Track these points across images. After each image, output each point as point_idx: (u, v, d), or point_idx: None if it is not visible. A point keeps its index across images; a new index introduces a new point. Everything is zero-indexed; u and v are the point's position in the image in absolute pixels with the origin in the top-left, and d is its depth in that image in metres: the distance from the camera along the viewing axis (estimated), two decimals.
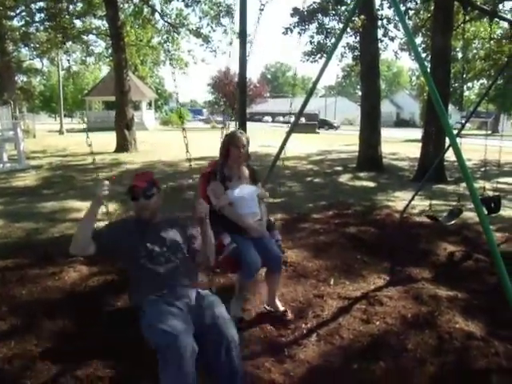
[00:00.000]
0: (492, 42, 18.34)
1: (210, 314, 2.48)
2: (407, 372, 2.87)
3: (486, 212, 5.46)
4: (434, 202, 7.32)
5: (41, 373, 2.79)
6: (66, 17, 18.92)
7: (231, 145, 3.58)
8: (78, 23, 20.55)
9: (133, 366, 2.84)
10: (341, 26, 14.30)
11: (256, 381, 2.78)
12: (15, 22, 22.76)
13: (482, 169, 8.83)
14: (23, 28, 21.50)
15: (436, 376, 2.84)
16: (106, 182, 2.54)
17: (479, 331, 3.31)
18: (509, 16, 15.80)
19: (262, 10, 4.77)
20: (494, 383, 2.73)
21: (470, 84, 36.40)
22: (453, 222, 5.79)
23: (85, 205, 7.49)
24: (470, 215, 6.53)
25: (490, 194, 6.26)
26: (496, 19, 12.96)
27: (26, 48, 25.06)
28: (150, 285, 2.59)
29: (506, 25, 15.07)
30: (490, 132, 37.84)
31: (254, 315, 3.64)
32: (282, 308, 3.69)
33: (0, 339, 3.17)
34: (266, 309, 3.74)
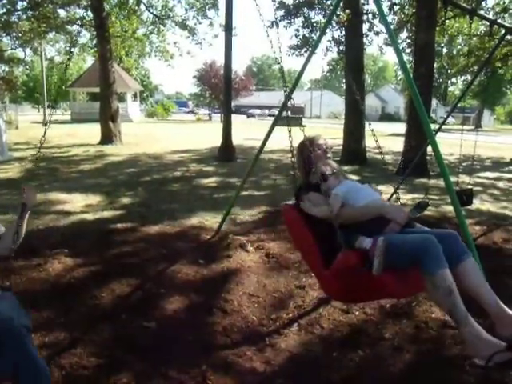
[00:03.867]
0: (475, 38, 18.56)
1: None
2: (385, 359, 2.98)
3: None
4: (414, 195, 7.46)
5: None
6: (50, 6, 18.63)
7: (314, 147, 3.00)
8: (61, 13, 20.21)
9: (117, 356, 2.90)
10: (326, 20, 14.36)
11: (237, 369, 2.85)
12: None
13: (464, 163, 9.01)
14: (4, 16, 21.08)
15: (412, 363, 2.95)
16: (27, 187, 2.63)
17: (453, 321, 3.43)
18: (490, 14, 16.09)
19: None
20: None
21: (454, 79, 36.82)
22: (419, 214, 5.88)
23: (69, 197, 7.48)
24: (449, 208, 6.67)
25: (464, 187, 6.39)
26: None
27: (8, 37, 24.60)
28: None
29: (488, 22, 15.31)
30: (473, 127, 38.39)
31: (235, 305, 3.70)
32: None
33: None
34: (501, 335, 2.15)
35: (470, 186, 6.06)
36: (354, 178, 10.78)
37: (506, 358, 1.98)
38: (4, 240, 2.44)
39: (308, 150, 2.88)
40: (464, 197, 5.60)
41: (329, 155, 3.09)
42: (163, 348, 3.03)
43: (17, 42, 24.26)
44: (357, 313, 3.58)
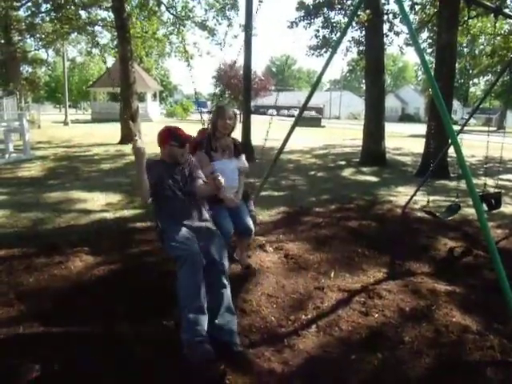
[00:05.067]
0: (498, 37, 18.25)
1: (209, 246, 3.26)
2: (404, 363, 2.94)
3: (486, 208, 5.50)
4: (435, 197, 7.37)
5: (48, 357, 2.87)
6: (72, 8, 18.92)
7: (218, 117, 4.00)
8: (83, 14, 20.52)
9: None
10: (346, 20, 14.28)
11: (256, 369, 2.85)
12: (21, 13, 22.79)
13: (486, 165, 8.85)
14: (29, 18, 21.49)
15: (432, 368, 2.91)
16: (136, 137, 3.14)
17: (475, 325, 3.38)
18: None
19: (262, 1, 4.80)
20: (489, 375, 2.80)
21: (475, 80, 36.28)
22: (451, 217, 5.83)
23: (90, 195, 7.59)
24: (471, 211, 6.58)
25: (492, 190, 6.30)
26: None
27: (32, 39, 25.07)
28: (171, 213, 3.36)
29: None
30: (495, 128, 37.74)
31: (254, 305, 3.70)
32: (247, 263, 4.34)
33: (9, 325, 3.26)
34: (236, 259, 4.39)
35: (498, 190, 6.00)
36: (374, 179, 10.73)
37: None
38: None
39: (216, 117, 4.04)
40: (492, 200, 5.53)
41: (229, 122, 4.06)
42: (182, 347, 3.04)
43: (40, 43, 24.76)
44: (376, 315, 3.56)
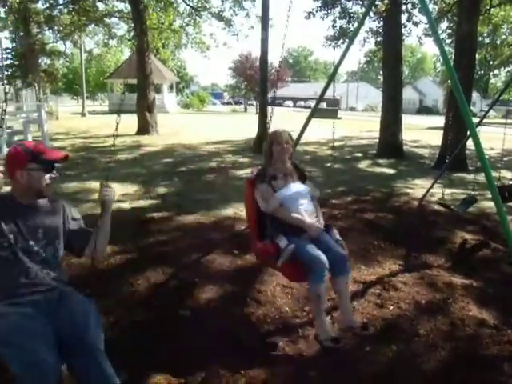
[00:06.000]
0: None
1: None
2: (418, 356, 2.93)
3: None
4: (453, 190, 7.29)
5: None
6: (89, 0, 19.04)
7: (273, 142, 3.38)
8: (100, 6, 20.62)
9: (149, 343, 2.96)
10: (364, 10, 14.09)
11: (270, 359, 2.87)
12: (39, 5, 22.97)
13: (503, 158, 8.72)
14: (47, 11, 21.65)
15: (447, 361, 2.89)
16: (105, 184, 2.55)
17: (492, 319, 3.35)
18: None
19: None
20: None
21: (496, 71, 35.59)
22: (467, 210, 5.76)
23: (113, 192, 7.65)
24: (489, 205, 6.49)
25: (507, 183, 6.19)
26: None
27: (50, 31, 25.28)
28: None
29: None
30: None
31: (269, 296, 3.71)
32: (358, 322, 3.19)
33: None
34: (342, 328, 3.24)
35: None
36: (391, 171, 10.64)
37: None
38: (90, 242, 2.52)
39: (271, 143, 3.40)
40: (506, 193, 5.43)
41: (286, 146, 3.39)
42: (197, 336, 3.08)
43: (58, 35, 24.93)
44: (391, 307, 3.54)
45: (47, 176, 2.27)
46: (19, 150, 2.23)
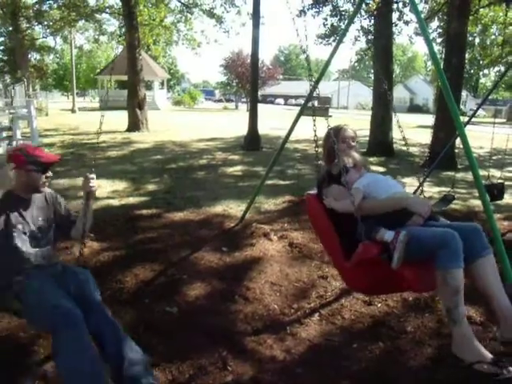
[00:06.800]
0: (510, 27, 18.00)
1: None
2: (405, 353, 2.95)
3: (489, 199, 5.43)
4: (441, 188, 7.33)
5: None
6: None
7: (338, 139, 2.86)
8: (91, 1, 20.50)
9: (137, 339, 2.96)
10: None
11: (257, 356, 2.87)
12: (29, 0, 22.77)
13: (494, 157, 8.80)
14: (37, 6, 21.48)
15: (433, 357, 2.91)
16: (91, 176, 2.84)
17: (479, 316, 3.38)
18: None
19: None
20: None
21: (486, 71, 35.88)
22: (444, 208, 5.76)
23: (96, 182, 7.60)
24: (476, 203, 6.54)
25: (496, 181, 6.22)
26: None
27: (40, 26, 25.08)
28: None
29: None
30: (505, 120, 37.34)
31: (257, 293, 3.72)
32: None
33: None
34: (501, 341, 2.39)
35: (501, 181, 5.89)
36: (380, 170, 10.66)
37: (486, 370, 2.09)
38: (77, 225, 2.85)
39: (332, 141, 2.78)
40: (495, 191, 5.44)
41: (353, 144, 3.03)
42: (184, 333, 3.07)
43: (48, 30, 24.77)
44: (379, 305, 3.56)
45: (43, 176, 2.69)
46: (19, 155, 2.60)
